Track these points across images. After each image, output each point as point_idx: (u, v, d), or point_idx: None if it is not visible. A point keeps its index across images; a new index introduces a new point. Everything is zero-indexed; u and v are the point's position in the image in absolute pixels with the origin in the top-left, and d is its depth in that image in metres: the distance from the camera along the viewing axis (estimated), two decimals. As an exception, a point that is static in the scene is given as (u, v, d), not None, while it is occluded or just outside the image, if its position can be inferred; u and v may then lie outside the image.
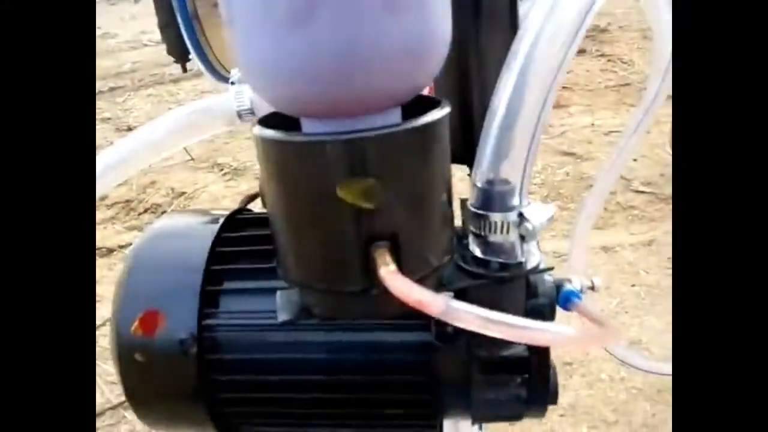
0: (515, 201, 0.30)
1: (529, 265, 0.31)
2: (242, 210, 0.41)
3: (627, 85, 3.34)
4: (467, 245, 0.32)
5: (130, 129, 3.70)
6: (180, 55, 0.75)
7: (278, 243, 0.27)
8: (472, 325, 0.22)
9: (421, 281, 0.24)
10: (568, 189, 2.11)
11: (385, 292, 0.24)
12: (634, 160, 2.29)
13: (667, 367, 1.19)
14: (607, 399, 1.15)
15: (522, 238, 0.30)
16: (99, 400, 1.38)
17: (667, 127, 2.41)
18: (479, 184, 0.30)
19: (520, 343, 0.32)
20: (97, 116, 3.99)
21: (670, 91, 0.46)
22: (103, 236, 2.29)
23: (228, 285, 0.34)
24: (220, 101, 0.50)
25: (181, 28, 0.66)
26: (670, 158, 2.26)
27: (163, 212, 2.40)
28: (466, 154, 0.34)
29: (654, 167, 2.22)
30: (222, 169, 2.76)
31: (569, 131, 2.64)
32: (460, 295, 0.30)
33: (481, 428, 0.70)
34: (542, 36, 0.29)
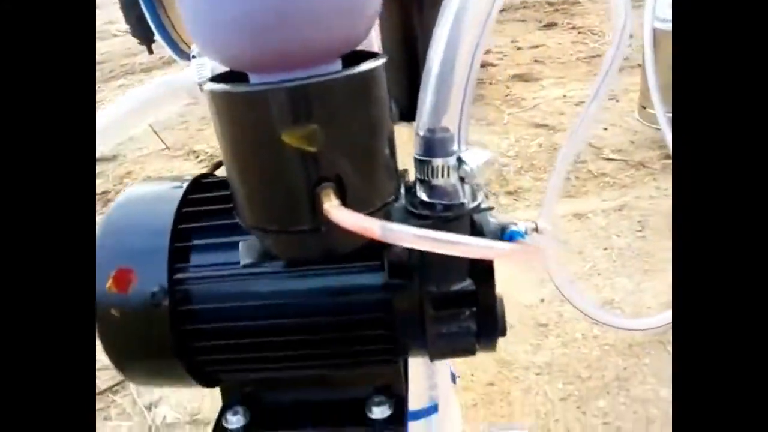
0: (454, 147, 0.32)
1: (472, 205, 0.34)
2: (208, 175, 0.43)
3: (598, 56, 3.38)
4: (415, 192, 0.34)
5: (102, 121, 3.66)
6: (145, 37, 0.76)
7: (234, 192, 0.29)
8: (407, 242, 0.25)
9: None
10: (541, 160, 2.15)
11: (335, 229, 0.26)
12: (605, 128, 2.34)
13: (637, 323, 1.23)
14: (581, 356, 1.20)
15: (462, 180, 0.32)
16: (87, 387, 1.40)
17: (636, 96, 2.46)
18: (421, 133, 0.33)
19: (467, 280, 0.35)
20: (68, 110, 3.93)
21: (623, 57, 0.49)
22: (82, 229, 2.29)
23: (195, 241, 0.36)
24: (182, 75, 0.52)
25: (144, 9, 0.67)
26: (638, 126, 2.31)
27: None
28: (413, 111, 0.37)
29: (623, 135, 2.27)
30: (197, 156, 2.75)
31: (542, 104, 2.68)
32: (410, 236, 0.33)
33: (455, 381, 0.74)
34: None
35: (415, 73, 0.39)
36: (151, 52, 0.81)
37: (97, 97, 4.12)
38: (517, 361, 1.20)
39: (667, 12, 2.11)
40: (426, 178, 0.33)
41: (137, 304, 0.35)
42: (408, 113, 0.38)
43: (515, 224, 0.38)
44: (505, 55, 3.66)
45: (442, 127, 0.32)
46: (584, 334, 1.26)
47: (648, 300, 1.34)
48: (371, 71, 0.27)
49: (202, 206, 0.38)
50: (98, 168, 2.81)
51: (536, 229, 0.41)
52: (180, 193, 0.39)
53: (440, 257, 0.27)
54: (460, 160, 0.32)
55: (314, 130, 0.25)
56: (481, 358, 0.64)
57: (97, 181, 2.66)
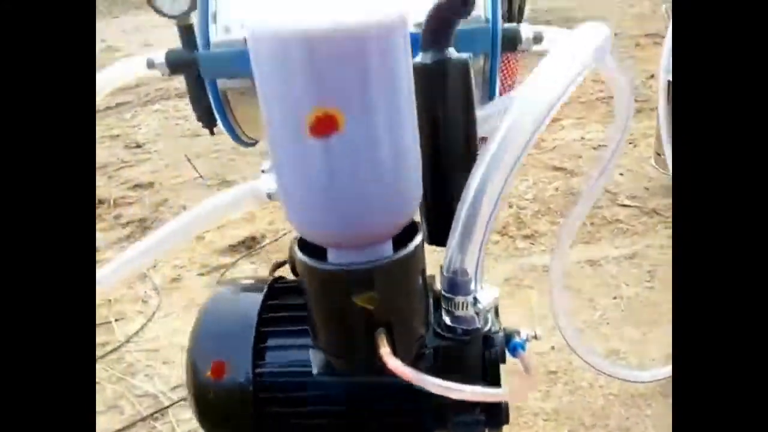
0: (472, 287, 0.44)
1: (485, 329, 0.45)
2: (278, 279, 0.54)
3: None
4: (441, 315, 0.45)
5: (138, 146, 3.83)
6: (208, 123, 0.88)
7: (312, 325, 0.40)
8: (434, 390, 0.36)
9: (409, 347, 0.37)
10: (557, 204, 2.25)
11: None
12: (620, 174, 2.43)
13: (642, 375, 1.32)
14: (587, 404, 1.29)
15: (476, 312, 0.44)
16: (130, 412, 1.52)
17: (652, 141, 2.54)
18: (446, 274, 0.44)
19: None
20: (106, 133, 4.11)
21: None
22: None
23: (273, 342, 0.48)
24: (252, 185, 0.64)
25: (213, 107, 0.79)
26: (653, 172, 2.39)
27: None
28: (441, 238, 0.48)
29: (639, 180, 2.35)
30: (229, 185, 2.90)
31: (561, 145, 2.78)
32: (437, 351, 0.44)
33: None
34: (494, 165, 0.42)
35: (445, 209, 0.50)
36: (212, 134, 0.94)
37: (134, 122, 4.32)
38: (527, 407, 1.29)
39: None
40: (449, 309, 0.44)
41: (228, 390, 0.47)
42: (436, 239, 0.49)
43: (518, 333, 0.49)
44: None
45: (464, 270, 0.44)
46: (591, 383, 1.35)
47: (653, 351, 1.43)
48: (413, 251, 0.38)
49: (278, 312, 0.49)
50: (135, 194, 2.97)
51: (535, 336, 0.52)
52: (260, 299, 0.51)
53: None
54: (475, 300, 0.43)
55: (373, 296, 0.36)
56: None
57: (134, 208, 2.82)
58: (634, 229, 2.03)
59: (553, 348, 1.45)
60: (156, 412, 1.47)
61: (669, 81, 2.09)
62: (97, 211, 2.86)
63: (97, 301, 2.05)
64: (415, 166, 0.37)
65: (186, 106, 4.55)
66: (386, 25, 0.34)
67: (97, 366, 1.69)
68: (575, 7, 5.54)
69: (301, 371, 0.47)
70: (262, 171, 0.64)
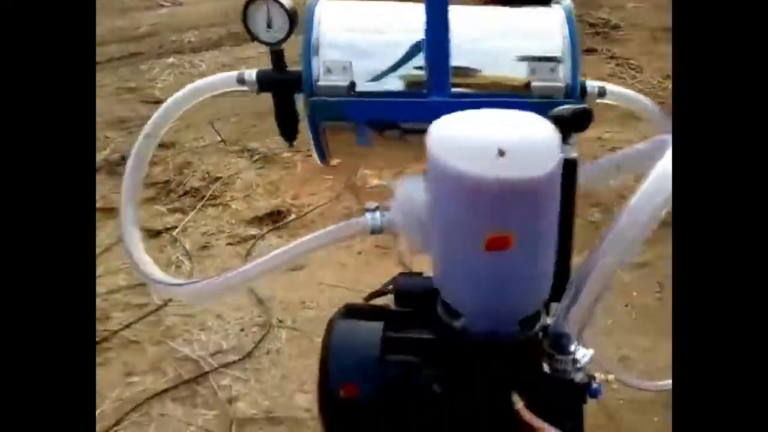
0: (572, 348, 0.53)
1: (578, 379, 0.55)
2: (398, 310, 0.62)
3: (633, 95, 3.53)
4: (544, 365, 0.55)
5: (157, 102, 3.83)
6: (289, 138, 0.92)
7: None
8: None
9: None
10: (590, 188, 2.34)
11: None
12: (635, 180, 2.52)
13: (648, 384, 1.44)
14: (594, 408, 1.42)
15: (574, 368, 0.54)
16: (172, 375, 1.63)
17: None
18: (552, 332, 0.54)
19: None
20: (122, 85, 4.10)
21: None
22: (149, 216, 2.49)
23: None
24: (358, 221, 0.70)
25: (312, 138, 0.82)
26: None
27: (202, 197, 2.58)
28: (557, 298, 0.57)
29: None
30: (252, 156, 2.94)
31: (576, 144, 2.85)
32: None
33: None
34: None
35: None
36: (291, 146, 1.00)
37: (150, 75, 4.30)
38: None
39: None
40: (550, 363, 0.54)
41: (360, 408, 0.57)
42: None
43: (594, 378, 0.59)
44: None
45: (567, 334, 0.53)
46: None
47: (662, 360, 1.56)
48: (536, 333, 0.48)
49: (398, 341, 0.59)
50: (158, 154, 3.01)
51: (607, 380, 0.62)
52: (380, 328, 0.60)
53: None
54: (575, 360, 0.53)
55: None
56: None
57: (157, 169, 2.86)
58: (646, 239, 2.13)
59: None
60: (198, 377, 1.58)
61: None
62: (121, 170, 2.91)
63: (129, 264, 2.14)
64: (552, 265, 0.47)
65: (200, 62, 4.52)
66: (551, 174, 0.43)
67: (138, 326, 1.80)
68: (596, -8, 5.48)
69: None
70: (366, 210, 0.71)
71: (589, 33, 4.99)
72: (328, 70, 0.71)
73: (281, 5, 0.71)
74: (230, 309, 1.86)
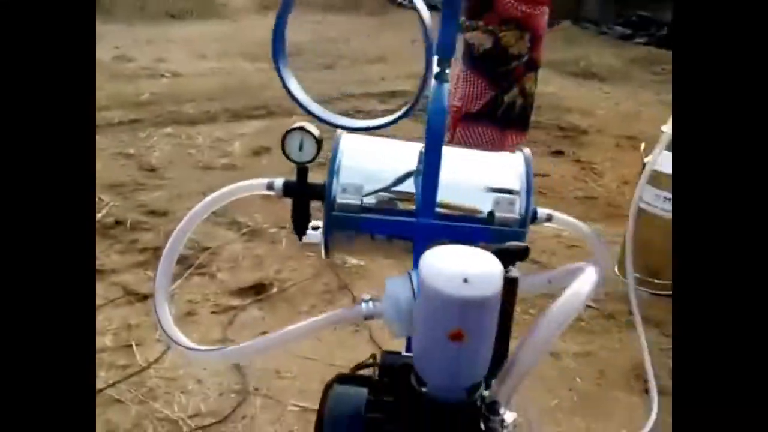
0: (501, 411, 0.74)
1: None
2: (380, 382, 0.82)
3: (593, 198, 3.89)
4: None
5: (152, 170, 4.04)
6: (299, 234, 1.12)
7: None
8: None
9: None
10: (528, 297, 2.59)
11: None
12: (587, 276, 2.80)
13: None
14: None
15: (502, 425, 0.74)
16: None
17: (618, 248, 2.91)
18: (488, 399, 0.74)
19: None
20: (122, 151, 4.32)
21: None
22: (137, 280, 2.63)
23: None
24: (354, 310, 0.90)
25: (324, 240, 1.03)
26: (617, 278, 2.75)
27: (190, 265, 2.74)
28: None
29: (602, 286, 2.72)
30: (240, 228, 3.14)
31: (538, 239, 3.15)
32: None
33: None
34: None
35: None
36: (300, 240, 1.20)
37: (148, 143, 4.53)
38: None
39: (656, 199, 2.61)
40: (485, 421, 0.74)
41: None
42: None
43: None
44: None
45: (498, 401, 0.74)
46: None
47: (595, 442, 1.75)
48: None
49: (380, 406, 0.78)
50: (150, 221, 3.18)
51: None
52: (365, 392, 0.79)
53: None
54: (502, 421, 0.74)
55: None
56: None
57: (148, 236, 3.03)
58: (592, 329, 2.38)
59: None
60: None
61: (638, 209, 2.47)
62: (114, 232, 3.08)
63: (117, 324, 2.27)
64: (491, 351, 0.69)
65: (197, 135, 4.79)
66: (495, 294, 0.66)
67: (122, 386, 1.92)
68: (566, 96, 6.02)
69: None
70: (363, 300, 0.92)
71: (559, 136, 5.45)
72: (344, 189, 0.93)
73: (312, 134, 0.91)
74: (210, 375, 2.00)
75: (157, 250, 2.90)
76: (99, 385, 1.91)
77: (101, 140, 4.49)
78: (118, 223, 3.13)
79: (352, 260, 2.75)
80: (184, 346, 0.94)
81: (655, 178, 2.55)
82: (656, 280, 2.65)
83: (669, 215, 2.54)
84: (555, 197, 3.85)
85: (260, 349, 0.90)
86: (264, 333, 0.89)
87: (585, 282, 0.74)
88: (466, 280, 0.64)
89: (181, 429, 1.75)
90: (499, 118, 3.21)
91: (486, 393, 0.75)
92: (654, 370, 2.02)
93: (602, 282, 0.87)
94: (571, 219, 1.07)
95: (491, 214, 0.94)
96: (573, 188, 4.08)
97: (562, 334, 2.09)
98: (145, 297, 2.49)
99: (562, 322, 0.71)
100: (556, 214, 1.06)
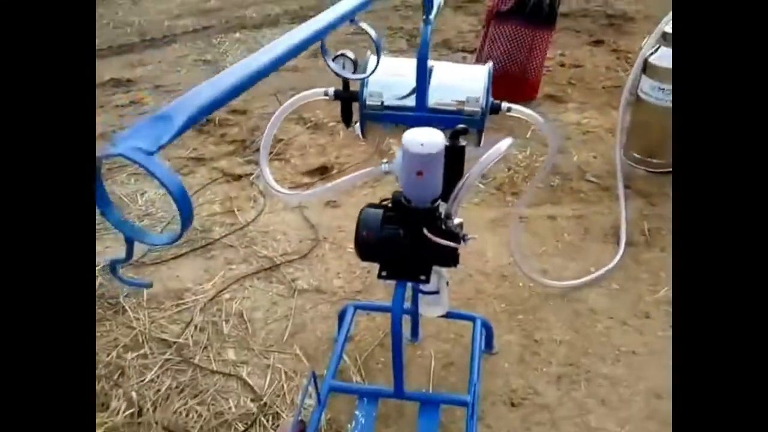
0: (454, 218, 1.38)
1: (455, 231, 1.40)
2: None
3: (618, 87, 4.16)
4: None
5: (228, 73, 4.67)
6: (347, 124, 1.78)
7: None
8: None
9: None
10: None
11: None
12: (594, 157, 3.28)
13: (555, 283, 2.30)
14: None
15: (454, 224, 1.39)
16: (256, 266, 2.55)
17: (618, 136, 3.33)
18: (445, 210, 1.38)
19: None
20: (199, 57, 4.97)
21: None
22: (230, 165, 3.38)
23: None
24: (377, 168, 1.55)
25: (360, 126, 1.69)
26: (617, 158, 3.23)
27: (269, 153, 3.44)
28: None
29: (605, 165, 3.21)
30: (306, 123, 3.79)
31: (558, 127, 3.61)
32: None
33: (447, 284, 1.82)
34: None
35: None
36: (347, 127, 1.84)
37: (222, 48, 5.14)
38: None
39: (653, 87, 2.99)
40: (444, 221, 1.39)
41: (372, 243, 1.44)
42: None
43: (466, 234, 1.45)
44: (549, 70, 4.40)
45: (450, 211, 1.38)
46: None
47: (568, 273, 2.40)
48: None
49: (389, 217, 1.45)
50: (234, 119, 3.88)
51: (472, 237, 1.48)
52: (382, 211, 1.45)
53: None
54: (455, 223, 1.38)
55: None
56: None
57: (234, 130, 3.74)
58: (588, 198, 2.93)
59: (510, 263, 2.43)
60: (273, 267, 2.50)
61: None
62: (207, 128, 3.81)
63: (221, 197, 3.05)
64: (441, 180, 1.32)
65: (263, 38, 5.34)
66: (440, 152, 1.27)
67: (232, 237, 2.72)
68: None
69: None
70: (383, 163, 1.56)
71: (604, 24, 5.56)
72: (370, 95, 1.56)
73: (350, 59, 1.50)
74: (292, 229, 2.77)
75: (243, 142, 3.62)
76: (216, 236, 2.71)
77: (182, 49, 5.15)
78: (208, 121, 3.84)
79: (394, 148, 3.37)
80: (277, 190, 1.64)
81: (653, 71, 2.93)
82: (654, 160, 3.12)
83: (664, 104, 2.95)
84: (583, 87, 4.18)
85: (319, 194, 1.61)
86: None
87: (503, 144, 1.34)
88: (422, 145, 1.26)
89: (275, 262, 2.54)
90: (528, 15, 3.60)
91: (442, 209, 1.39)
92: (628, 228, 2.60)
93: (553, 161, 1.39)
94: (527, 110, 1.62)
95: (461, 107, 1.53)
96: (604, 78, 4.35)
97: (562, 202, 2.81)
98: (239, 176, 3.24)
99: (484, 166, 1.32)
100: (514, 106, 1.62)
